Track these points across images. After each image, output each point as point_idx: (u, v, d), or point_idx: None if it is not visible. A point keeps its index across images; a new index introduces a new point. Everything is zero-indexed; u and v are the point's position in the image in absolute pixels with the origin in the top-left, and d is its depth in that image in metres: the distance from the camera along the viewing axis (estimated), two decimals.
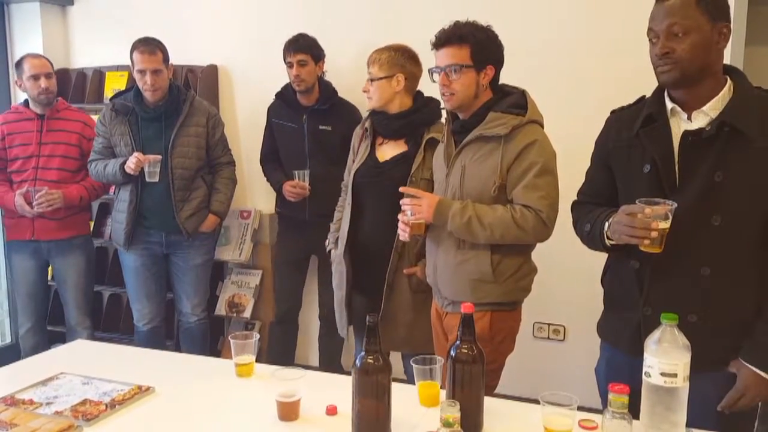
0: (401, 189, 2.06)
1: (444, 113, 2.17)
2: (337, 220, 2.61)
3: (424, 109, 2.39)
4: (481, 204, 1.94)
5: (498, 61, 2.00)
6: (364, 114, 3.13)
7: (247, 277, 3.71)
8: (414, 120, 2.36)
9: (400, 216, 2.04)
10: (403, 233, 2.05)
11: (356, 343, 2.72)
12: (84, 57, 4.03)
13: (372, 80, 2.37)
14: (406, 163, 2.32)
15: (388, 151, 2.41)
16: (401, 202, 2.03)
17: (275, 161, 3.33)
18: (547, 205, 1.91)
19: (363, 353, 1.44)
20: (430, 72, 2.02)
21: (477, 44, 1.95)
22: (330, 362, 3.43)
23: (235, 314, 3.67)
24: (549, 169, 1.94)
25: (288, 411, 1.57)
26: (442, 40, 1.97)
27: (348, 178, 2.58)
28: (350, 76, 3.33)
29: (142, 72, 2.96)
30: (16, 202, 3.08)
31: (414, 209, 1.99)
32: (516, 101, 1.98)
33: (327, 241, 2.67)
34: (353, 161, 2.50)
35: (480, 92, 1.99)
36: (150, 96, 2.99)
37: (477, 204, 1.94)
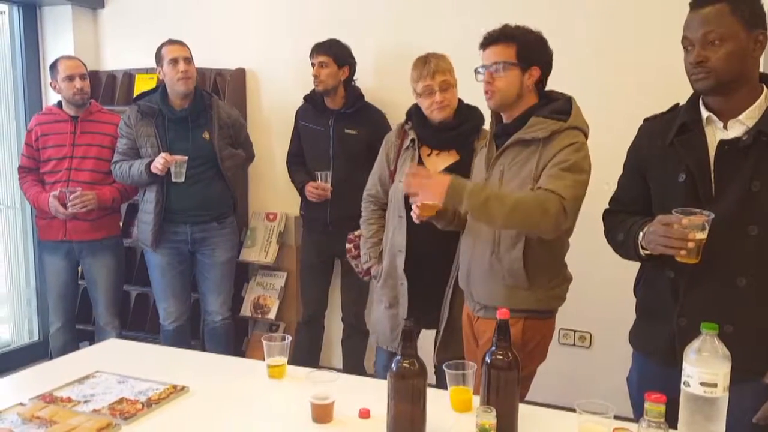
0: (407, 171, 1.98)
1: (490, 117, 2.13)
2: (373, 233, 2.55)
3: (469, 118, 2.39)
4: None
5: (545, 64, 1.97)
6: (391, 120, 3.17)
7: (272, 279, 3.74)
8: (464, 130, 2.36)
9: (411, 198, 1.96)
10: (414, 215, 1.99)
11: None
12: (114, 59, 4.09)
13: (450, 87, 2.34)
14: (460, 171, 2.21)
15: (439, 162, 2.37)
16: (403, 182, 1.93)
17: (300, 163, 3.36)
18: (571, 196, 1.81)
19: (399, 357, 1.45)
20: (476, 71, 1.99)
21: (524, 43, 1.93)
22: (354, 365, 3.44)
23: (260, 315, 3.70)
24: (580, 168, 1.86)
25: (322, 413, 1.59)
26: (490, 40, 1.95)
27: (377, 188, 2.52)
28: (376, 80, 3.36)
29: (175, 61, 2.99)
30: (50, 204, 3.11)
31: (421, 190, 1.86)
32: (560, 107, 1.94)
33: (366, 256, 2.58)
34: (390, 173, 2.46)
35: (524, 93, 1.94)
36: (183, 86, 3.01)
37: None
